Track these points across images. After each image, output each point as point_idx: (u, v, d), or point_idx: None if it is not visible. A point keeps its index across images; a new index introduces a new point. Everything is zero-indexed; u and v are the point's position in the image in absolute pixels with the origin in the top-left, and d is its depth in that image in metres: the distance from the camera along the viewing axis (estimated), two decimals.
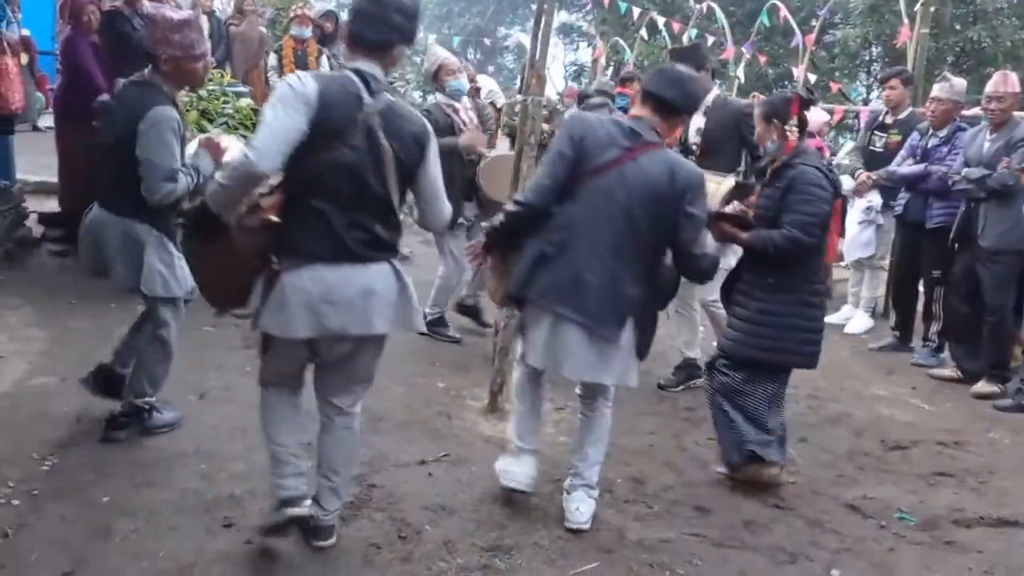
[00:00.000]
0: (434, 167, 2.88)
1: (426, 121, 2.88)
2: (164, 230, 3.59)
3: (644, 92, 3.29)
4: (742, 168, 4.85)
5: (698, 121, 4.89)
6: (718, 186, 4.02)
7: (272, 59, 8.54)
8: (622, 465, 3.84)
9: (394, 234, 2.84)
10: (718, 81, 4.66)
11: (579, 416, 3.48)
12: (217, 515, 3.12)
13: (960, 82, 5.84)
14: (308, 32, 8.42)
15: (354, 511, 3.22)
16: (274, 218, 2.67)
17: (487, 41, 28.34)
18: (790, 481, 3.81)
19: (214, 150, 3.66)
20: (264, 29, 9.51)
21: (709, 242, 3.33)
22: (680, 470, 3.86)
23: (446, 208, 2.99)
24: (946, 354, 5.78)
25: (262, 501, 3.22)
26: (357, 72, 2.71)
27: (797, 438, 4.30)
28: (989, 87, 5.23)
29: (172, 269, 3.58)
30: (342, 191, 2.68)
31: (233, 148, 3.84)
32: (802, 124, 3.64)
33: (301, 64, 8.17)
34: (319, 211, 2.68)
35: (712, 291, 4.44)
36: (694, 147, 4.99)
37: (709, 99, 4.79)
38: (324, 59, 8.52)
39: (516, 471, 3.37)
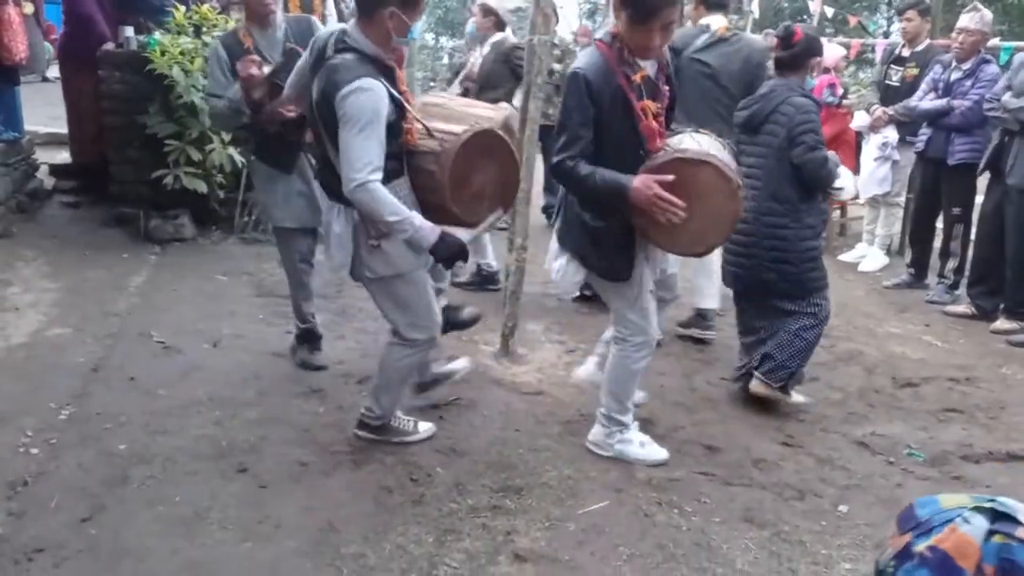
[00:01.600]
0: (344, 130, 2.80)
1: (353, 84, 2.78)
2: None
3: None
4: None
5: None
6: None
7: None
8: None
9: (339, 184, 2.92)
10: (735, 18, 4.37)
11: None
12: (232, 461, 3.17)
13: (989, 13, 5.65)
14: None
15: (366, 455, 3.27)
16: None
17: None
18: (800, 419, 3.82)
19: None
20: None
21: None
22: (690, 409, 3.88)
23: (346, 177, 2.81)
24: (961, 291, 5.73)
25: (276, 447, 3.29)
26: (342, 30, 2.98)
27: (808, 376, 4.30)
28: None
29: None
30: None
31: None
32: None
33: (306, 7, 8.04)
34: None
35: None
36: None
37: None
38: (330, 2, 8.38)
39: None
